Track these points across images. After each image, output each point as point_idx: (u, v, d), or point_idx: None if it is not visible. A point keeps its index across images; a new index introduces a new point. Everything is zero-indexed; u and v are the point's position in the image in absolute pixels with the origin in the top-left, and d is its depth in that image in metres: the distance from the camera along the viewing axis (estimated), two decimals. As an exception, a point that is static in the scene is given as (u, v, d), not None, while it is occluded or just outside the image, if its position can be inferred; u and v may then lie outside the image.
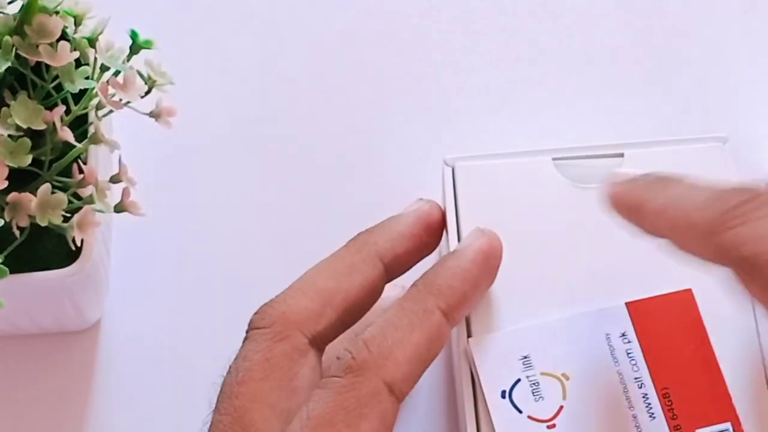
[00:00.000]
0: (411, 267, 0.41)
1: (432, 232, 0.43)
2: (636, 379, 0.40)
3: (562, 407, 0.39)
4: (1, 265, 0.39)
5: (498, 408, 0.39)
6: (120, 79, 0.42)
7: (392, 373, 0.36)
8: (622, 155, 0.44)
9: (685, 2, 0.55)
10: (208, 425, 0.38)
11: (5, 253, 0.40)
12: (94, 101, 0.42)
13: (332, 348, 0.39)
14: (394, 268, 0.40)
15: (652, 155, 0.44)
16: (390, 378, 0.36)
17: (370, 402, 0.36)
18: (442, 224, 0.43)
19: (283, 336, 0.38)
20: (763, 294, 0.33)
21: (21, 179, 0.41)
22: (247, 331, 0.40)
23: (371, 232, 0.42)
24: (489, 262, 0.39)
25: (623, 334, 0.41)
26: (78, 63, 0.42)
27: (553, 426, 0.39)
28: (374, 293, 0.40)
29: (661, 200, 0.36)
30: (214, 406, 0.38)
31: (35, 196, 0.39)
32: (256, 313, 0.40)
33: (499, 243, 0.40)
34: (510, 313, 0.41)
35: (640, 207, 0.37)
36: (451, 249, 0.43)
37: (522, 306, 0.41)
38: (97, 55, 0.42)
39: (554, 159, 0.43)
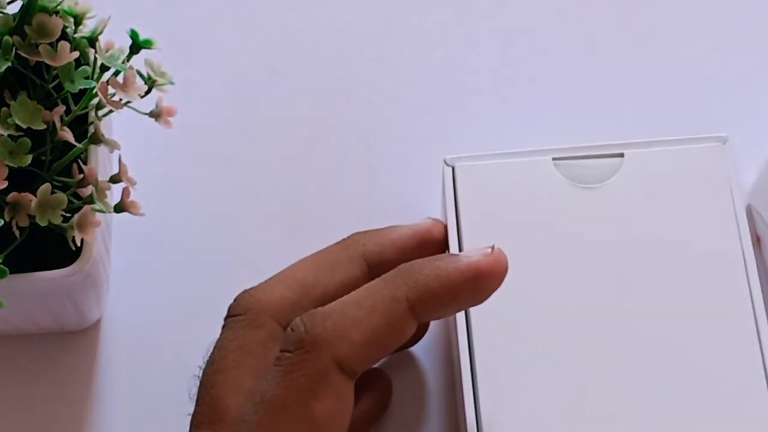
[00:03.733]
0: None
1: (426, 248, 0.43)
2: None
3: None
4: (1, 265, 0.39)
5: None
6: (120, 79, 0.42)
7: (344, 352, 0.35)
8: (622, 155, 0.44)
9: (685, 1, 0.55)
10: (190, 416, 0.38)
11: (5, 253, 0.40)
12: (94, 101, 0.42)
13: None
14: (378, 273, 0.39)
15: (652, 155, 0.44)
16: (341, 356, 0.35)
17: (321, 381, 0.35)
18: (441, 243, 0.43)
19: (257, 324, 0.39)
20: None
21: (21, 179, 0.41)
22: (225, 319, 0.40)
23: (364, 234, 0.43)
24: (481, 282, 0.37)
25: None
26: (78, 63, 0.42)
27: None
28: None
29: None
30: (195, 397, 0.39)
31: (35, 196, 0.39)
32: (234, 301, 0.40)
33: (503, 268, 0.37)
34: (510, 314, 0.41)
35: None
36: (451, 249, 0.43)
37: (522, 305, 0.41)
38: (97, 55, 0.42)
39: (554, 159, 0.44)
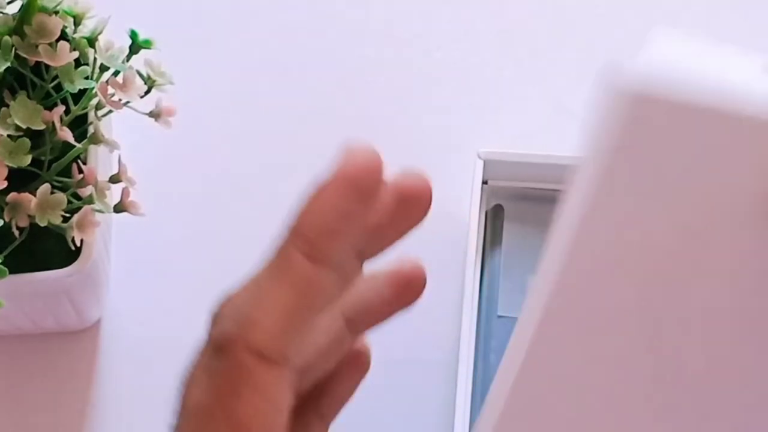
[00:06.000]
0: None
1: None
2: None
3: None
4: (1, 265, 0.39)
5: None
6: (119, 79, 0.42)
7: (258, 341, 0.32)
8: None
9: (686, 1, 0.55)
10: None
11: (5, 253, 0.40)
12: (94, 101, 0.42)
13: None
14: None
15: None
16: (256, 346, 0.32)
17: (241, 379, 0.33)
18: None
19: None
20: None
21: (21, 179, 0.41)
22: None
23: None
24: (361, 183, 0.32)
25: None
26: (77, 63, 0.42)
27: None
28: None
29: None
30: None
31: (35, 196, 0.39)
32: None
33: (374, 155, 0.32)
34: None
35: None
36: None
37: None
38: (96, 55, 0.42)
39: None
